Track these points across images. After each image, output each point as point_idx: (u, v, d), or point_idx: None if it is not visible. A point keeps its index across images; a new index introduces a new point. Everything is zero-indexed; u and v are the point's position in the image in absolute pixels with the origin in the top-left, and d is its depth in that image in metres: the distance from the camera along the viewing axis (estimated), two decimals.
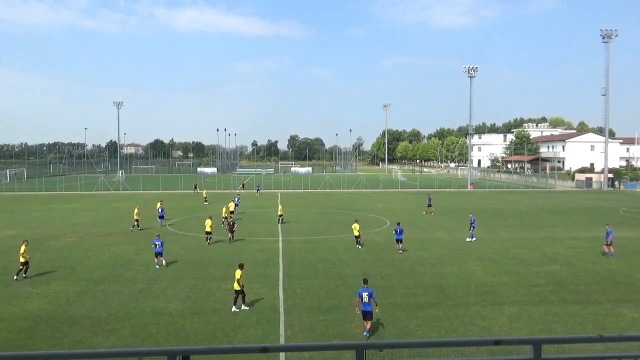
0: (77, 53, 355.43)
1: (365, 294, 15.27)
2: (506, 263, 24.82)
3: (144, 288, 20.28)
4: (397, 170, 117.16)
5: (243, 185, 74.71)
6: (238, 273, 17.67)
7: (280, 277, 22.09)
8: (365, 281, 16.19)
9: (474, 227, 31.22)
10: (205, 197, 54.03)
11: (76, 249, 28.35)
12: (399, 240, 26.97)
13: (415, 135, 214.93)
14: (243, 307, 17.52)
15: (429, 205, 45.56)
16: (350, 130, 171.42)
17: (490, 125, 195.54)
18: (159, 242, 24.39)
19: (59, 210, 48.72)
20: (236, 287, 17.55)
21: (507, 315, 17.00)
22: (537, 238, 31.87)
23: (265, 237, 31.80)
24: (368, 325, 15.29)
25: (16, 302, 18.41)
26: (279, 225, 36.80)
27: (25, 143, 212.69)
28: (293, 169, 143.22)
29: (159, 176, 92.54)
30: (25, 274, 21.67)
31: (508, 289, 20.17)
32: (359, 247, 28.14)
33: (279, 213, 38.68)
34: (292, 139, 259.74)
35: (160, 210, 38.05)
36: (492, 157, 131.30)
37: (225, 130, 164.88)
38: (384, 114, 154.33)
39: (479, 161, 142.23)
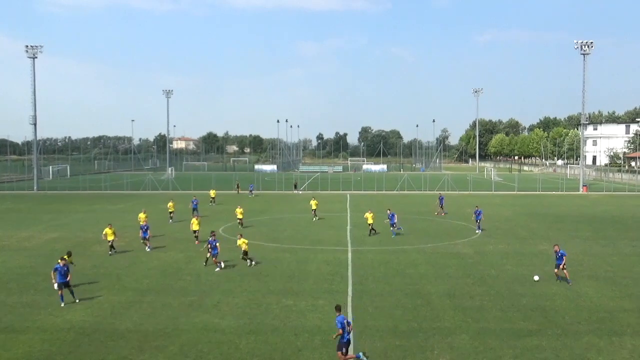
0: (124, 36, 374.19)
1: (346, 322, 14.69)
2: (628, 284, 23.80)
3: (195, 301, 21.05)
4: (490, 169, 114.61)
5: (295, 185, 76.66)
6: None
7: (349, 293, 22.20)
8: (338, 308, 15.21)
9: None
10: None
11: (122, 255, 29.86)
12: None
13: (513, 127, 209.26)
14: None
15: (441, 206, 48.54)
16: (434, 121, 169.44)
17: (609, 113, 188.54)
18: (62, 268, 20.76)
19: (103, 211, 51.55)
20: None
21: (629, 348, 16.32)
22: None
23: (332, 247, 32.02)
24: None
25: (58, 312, 19.69)
26: (347, 231, 36.99)
27: (69, 137, 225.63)
28: (365, 166, 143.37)
29: (211, 174, 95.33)
30: (110, 250, 30.08)
31: (630, 316, 19.35)
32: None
33: (313, 207, 43.70)
34: (364, 132, 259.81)
35: (194, 203, 46.70)
36: (611, 153, 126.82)
37: (286, 121, 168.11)
38: (474, 101, 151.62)
39: (594, 158, 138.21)
